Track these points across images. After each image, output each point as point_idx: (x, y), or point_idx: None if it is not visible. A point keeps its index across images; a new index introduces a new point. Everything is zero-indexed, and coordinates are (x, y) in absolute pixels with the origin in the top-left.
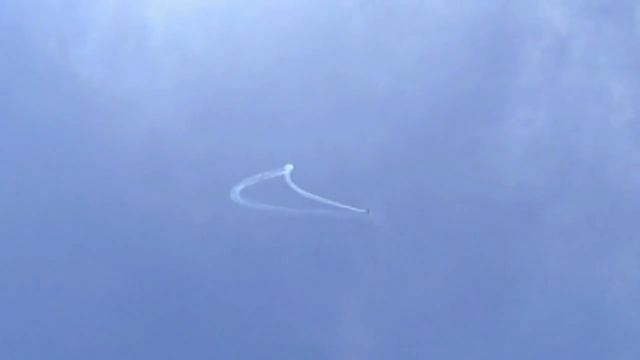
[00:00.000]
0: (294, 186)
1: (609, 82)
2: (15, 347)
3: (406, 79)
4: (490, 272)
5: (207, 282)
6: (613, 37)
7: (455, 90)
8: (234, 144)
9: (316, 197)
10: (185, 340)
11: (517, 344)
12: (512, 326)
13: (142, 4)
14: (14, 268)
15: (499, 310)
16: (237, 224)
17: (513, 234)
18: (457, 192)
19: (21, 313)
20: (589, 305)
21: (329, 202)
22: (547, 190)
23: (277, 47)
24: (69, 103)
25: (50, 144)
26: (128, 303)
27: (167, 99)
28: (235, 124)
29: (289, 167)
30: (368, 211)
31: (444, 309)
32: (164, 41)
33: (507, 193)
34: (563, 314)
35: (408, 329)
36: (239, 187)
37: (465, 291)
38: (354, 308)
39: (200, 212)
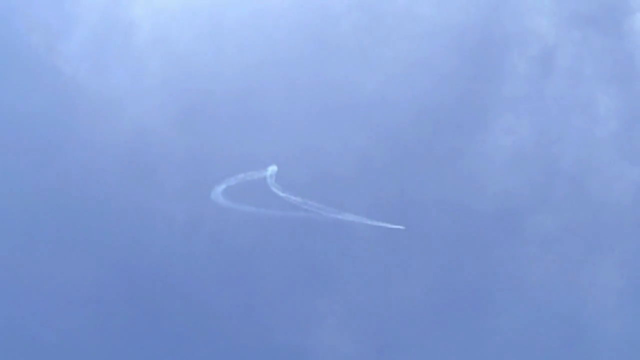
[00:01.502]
0: (275, 189)
1: (595, 93)
2: None
3: (391, 84)
4: (470, 280)
5: (186, 281)
6: (600, 49)
7: (439, 96)
8: (218, 144)
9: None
10: (164, 339)
11: (496, 352)
12: (492, 334)
13: (130, 1)
14: None
15: (479, 318)
16: (218, 224)
17: (494, 242)
18: (439, 199)
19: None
20: (570, 314)
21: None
22: (529, 199)
23: (264, 48)
24: (54, 99)
25: (33, 140)
26: (107, 302)
27: (152, 97)
28: (220, 124)
29: (272, 169)
30: (405, 228)
31: (424, 315)
32: (150, 39)
33: (489, 201)
34: (543, 323)
35: (388, 333)
36: (221, 187)
37: (445, 298)
38: (333, 311)
39: (182, 211)
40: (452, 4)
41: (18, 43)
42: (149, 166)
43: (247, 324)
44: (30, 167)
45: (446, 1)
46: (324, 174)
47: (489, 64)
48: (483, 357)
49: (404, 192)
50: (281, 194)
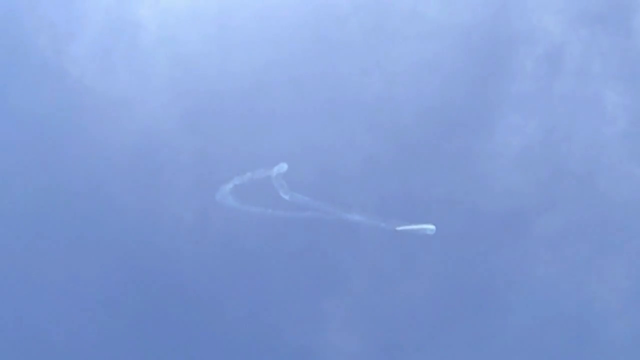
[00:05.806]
0: (281, 192)
1: (603, 91)
2: (1, 342)
3: (398, 83)
4: (478, 280)
5: (193, 281)
6: (608, 47)
7: (446, 96)
8: (226, 144)
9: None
10: (170, 339)
11: (503, 352)
12: (500, 334)
13: (136, 2)
14: (1, 264)
15: (487, 318)
16: (225, 224)
17: (502, 242)
18: (446, 199)
19: (8, 309)
20: (577, 315)
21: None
22: (537, 199)
23: (271, 48)
24: (61, 100)
25: (40, 141)
26: (115, 302)
27: (159, 97)
28: (227, 124)
29: (281, 166)
30: (434, 227)
31: (431, 315)
32: (157, 40)
33: (496, 201)
34: (551, 323)
35: (395, 333)
36: (228, 187)
37: (452, 298)
38: (340, 311)
39: (190, 211)
40: (458, 2)
41: (25, 45)
42: (156, 166)
43: (254, 324)
44: (37, 168)
45: (452, 0)
46: (330, 174)
47: (496, 62)
48: (490, 357)
49: (411, 191)
50: (285, 197)
